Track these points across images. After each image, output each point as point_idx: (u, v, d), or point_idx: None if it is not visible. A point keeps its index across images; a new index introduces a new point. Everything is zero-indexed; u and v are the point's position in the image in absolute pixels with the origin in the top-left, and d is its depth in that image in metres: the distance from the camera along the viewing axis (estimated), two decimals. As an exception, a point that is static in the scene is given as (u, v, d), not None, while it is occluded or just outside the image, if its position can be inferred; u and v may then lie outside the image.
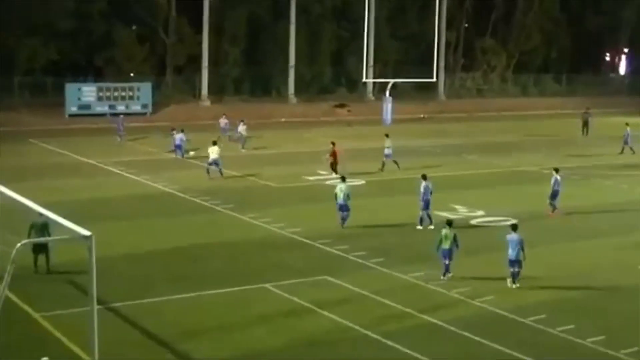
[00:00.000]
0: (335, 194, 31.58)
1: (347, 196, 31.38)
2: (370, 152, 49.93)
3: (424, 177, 32.00)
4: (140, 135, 56.26)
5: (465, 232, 31.30)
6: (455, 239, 24.99)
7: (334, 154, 41.71)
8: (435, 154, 51.44)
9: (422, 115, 74.92)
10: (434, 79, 74.31)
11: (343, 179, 32.59)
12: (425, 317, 21.84)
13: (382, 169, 43.51)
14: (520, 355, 19.31)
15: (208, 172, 40.92)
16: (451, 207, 34.92)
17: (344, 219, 31.30)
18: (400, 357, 19.31)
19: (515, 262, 24.34)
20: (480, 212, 34.41)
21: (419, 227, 31.11)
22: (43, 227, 23.91)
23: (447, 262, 24.93)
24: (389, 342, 20.00)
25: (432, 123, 70.97)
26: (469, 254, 26.83)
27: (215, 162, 40.96)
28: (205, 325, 21.11)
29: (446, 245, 24.91)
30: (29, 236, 23.63)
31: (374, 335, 20.45)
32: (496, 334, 20.59)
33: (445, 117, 74.24)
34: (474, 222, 32.91)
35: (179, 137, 47.18)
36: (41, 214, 22.86)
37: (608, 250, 29.10)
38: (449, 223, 25.38)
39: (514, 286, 24.26)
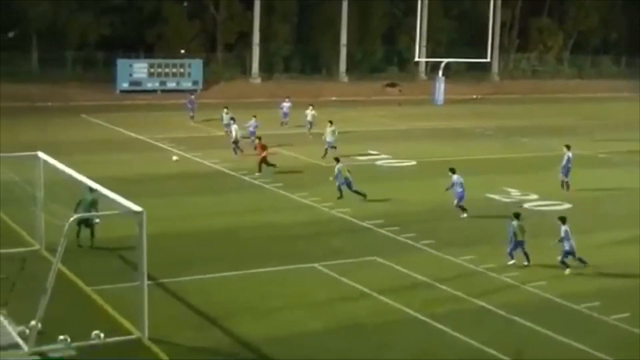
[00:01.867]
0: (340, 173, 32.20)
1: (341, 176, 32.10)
2: (420, 132, 49.80)
3: (453, 171, 30.85)
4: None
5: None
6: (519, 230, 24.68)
7: (261, 148, 37.83)
8: (486, 136, 51.08)
9: (474, 96, 74.40)
10: (488, 59, 73.70)
11: (337, 160, 33.07)
12: (475, 300, 21.75)
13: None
14: (572, 342, 19.13)
15: (235, 152, 40.92)
16: (504, 190, 34.69)
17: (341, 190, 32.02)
18: (449, 340, 19.27)
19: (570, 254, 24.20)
20: (534, 196, 34.12)
21: (464, 215, 30.68)
22: (92, 203, 24.17)
23: (521, 250, 24.70)
24: (438, 325, 19.96)
25: (484, 104, 70.41)
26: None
27: (235, 142, 40.96)
28: (251, 304, 21.25)
29: (522, 236, 24.60)
30: (75, 211, 23.92)
31: (423, 318, 20.43)
32: (547, 320, 20.42)
33: (498, 99, 73.59)
34: (527, 205, 32.62)
35: (252, 123, 43.93)
36: (91, 191, 23.25)
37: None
38: (517, 216, 25.01)
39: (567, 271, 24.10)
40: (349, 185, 32.23)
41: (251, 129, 43.09)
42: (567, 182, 34.97)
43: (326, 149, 40.86)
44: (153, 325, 18.58)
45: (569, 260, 24.23)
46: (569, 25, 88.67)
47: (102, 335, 18.12)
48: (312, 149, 42.29)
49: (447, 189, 30.78)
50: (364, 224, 29.11)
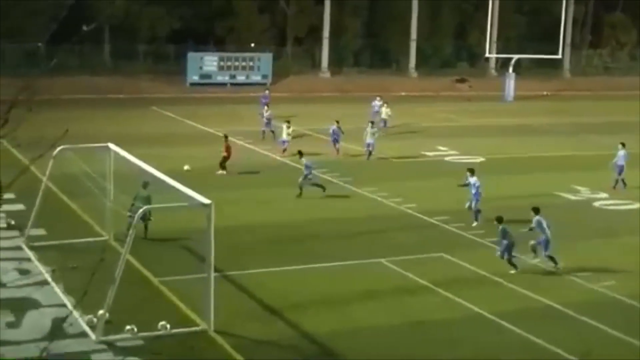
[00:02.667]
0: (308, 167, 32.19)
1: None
2: (490, 129, 49.35)
3: (472, 172, 29.49)
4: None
5: (587, 214, 30.72)
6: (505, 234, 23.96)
7: (227, 149, 36.80)
8: (556, 133, 50.37)
9: (545, 93, 73.46)
10: (559, 56, 72.67)
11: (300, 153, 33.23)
12: (542, 299, 21.51)
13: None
14: (638, 343, 18.85)
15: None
16: (573, 189, 34.22)
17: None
18: (515, 339, 19.10)
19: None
20: (604, 195, 33.59)
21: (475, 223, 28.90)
22: (147, 199, 24.41)
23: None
24: (504, 323, 19.81)
25: (555, 101, 69.47)
26: (589, 238, 26.28)
27: (283, 141, 40.18)
28: (316, 298, 21.32)
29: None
30: (132, 206, 24.18)
31: (489, 316, 20.28)
32: (615, 320, 20.13)
33: (569, 95, 72.53)
34: (596, 204, 32.14)
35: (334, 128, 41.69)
36: (145, 186, 23.63)
37: None
38: (499, 220, 24.27)
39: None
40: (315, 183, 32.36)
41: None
42: (622, 179, 34.28)
43: (369, 152, 39.99)
44: (219, 317, 18.74)
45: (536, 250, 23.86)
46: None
47: (168, 326, 18.34)
48: (385, 144, 41.98)
49: (460, 186, 29.81)
50: (431, 220, 28.97)
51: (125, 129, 44.21)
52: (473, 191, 29.09)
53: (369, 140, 40.16)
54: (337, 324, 19.68)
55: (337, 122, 41.46)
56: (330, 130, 41.48)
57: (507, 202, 31.55)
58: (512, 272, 23.51)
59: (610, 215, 29.91)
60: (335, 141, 41.02)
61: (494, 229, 27.28)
